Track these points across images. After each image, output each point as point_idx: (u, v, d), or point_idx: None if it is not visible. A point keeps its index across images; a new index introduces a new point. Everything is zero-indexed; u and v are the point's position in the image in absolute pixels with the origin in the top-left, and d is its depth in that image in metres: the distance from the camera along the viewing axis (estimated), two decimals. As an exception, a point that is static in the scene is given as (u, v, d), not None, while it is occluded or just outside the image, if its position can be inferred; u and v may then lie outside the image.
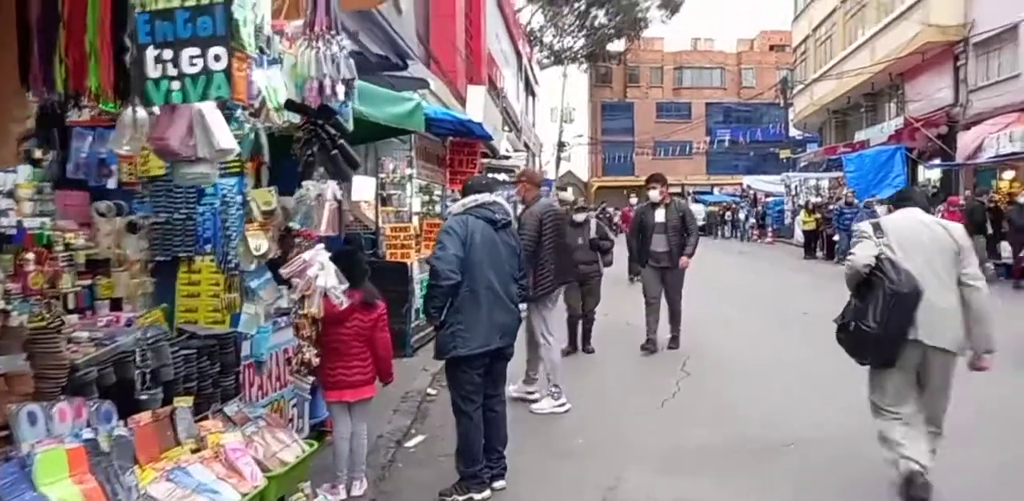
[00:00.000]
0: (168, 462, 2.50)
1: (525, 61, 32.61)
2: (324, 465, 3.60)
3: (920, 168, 20.53)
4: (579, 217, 7.12)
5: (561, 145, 38.76)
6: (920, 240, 3.45)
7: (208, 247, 3.28)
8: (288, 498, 2.99)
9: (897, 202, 3.84)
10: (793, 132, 32.96)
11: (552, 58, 40.80)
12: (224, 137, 2.17)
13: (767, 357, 7.05)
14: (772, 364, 6.70)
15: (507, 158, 16.97)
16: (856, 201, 17.74)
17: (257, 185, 3.18)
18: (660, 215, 7.17)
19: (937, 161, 18.85)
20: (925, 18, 18.93)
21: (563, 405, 5.42)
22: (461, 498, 3.71)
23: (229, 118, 3.14)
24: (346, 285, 2.93)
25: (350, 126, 3.05)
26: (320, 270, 2.71)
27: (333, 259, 3.76)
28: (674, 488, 3.88)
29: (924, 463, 3.33)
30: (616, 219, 25.99)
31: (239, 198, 3.23)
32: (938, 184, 19.25)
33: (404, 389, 5.87)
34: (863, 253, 3.44)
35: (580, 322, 7.17)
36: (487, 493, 3.78)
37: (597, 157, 45.87)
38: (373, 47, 7.45)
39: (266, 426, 3.02)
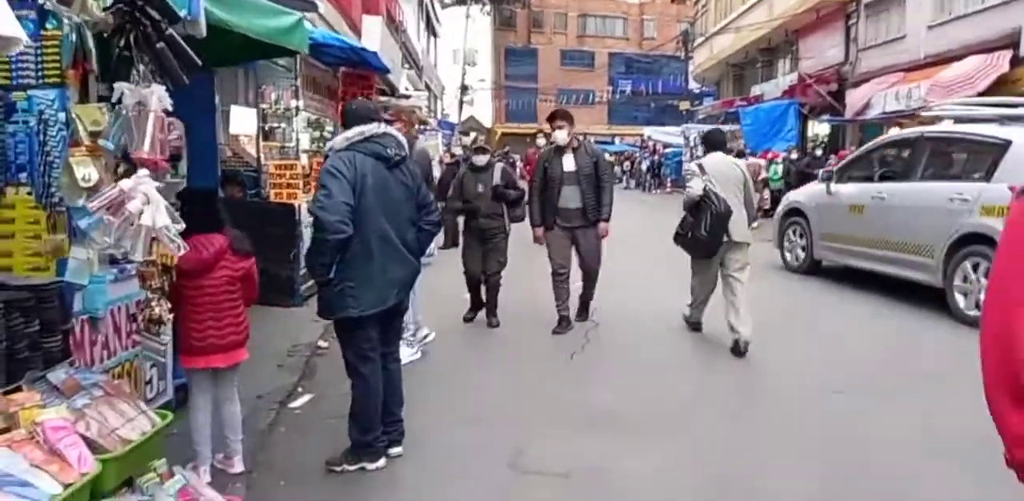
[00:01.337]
0: (-43, 449, 1.94)
1: (427, -2, 31.06)
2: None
3: (811, 123, 21.24)
4: (480, 160, 6.02)
5: (464, 88, 37.58)
6: (726, 174, 5.28)
7: (23, 176, 2.60)
8: (138, 480, 2.48)
9: (709, 147, 5.62)
10: (692, 85, 33.38)
11: (455, -3, 39.15)
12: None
13: (675, 310, 6.57)
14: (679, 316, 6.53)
15: (407, 97, 16.07)
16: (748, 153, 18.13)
17: (84, 99, 2.52)
18: (569, 162, 5.59)
19: (827, 116, 19.50)
20: (823, -26, 19.22)
21: (417, 353, 5.13)
22: (352, 468, 3.31)
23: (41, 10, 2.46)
24: (181, 225, 2.32)
25: (201, 29, 2.44)
26: (144, 204, 2.10)
27: (186, 199, 3.19)
28: (586, 453, 3.61)
29: (700, 320, 5.80)
30: (519, 165, 25.65)
31: (62, 115, 2.55)
32: (827, 138, 19.98)
33: (291, 342, 5.36)
34: (696, 186, 5.21)
35: (476, 283, 6.08)
36: (382, 462, 3.38)
37: (501, 103, 45.05)
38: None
39: (103, 396, 2.47)
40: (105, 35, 2.23)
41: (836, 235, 7.73)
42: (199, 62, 2.41)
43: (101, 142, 2.30)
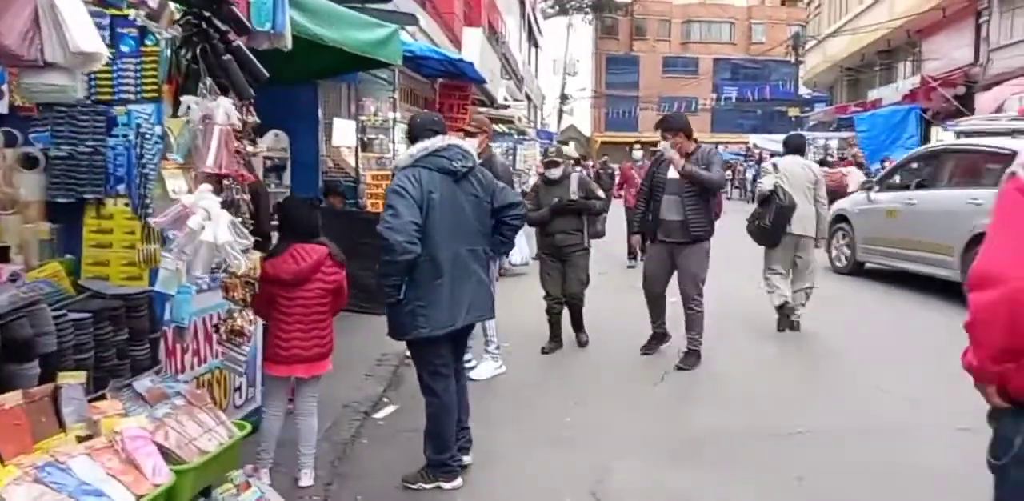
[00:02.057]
0: (42, 455, 1.99)
1: (528, 10, 31.31)
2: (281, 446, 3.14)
3: (934, 129, 19.79)
4: (553, 174, 5.42)
5: (564, 98, 37.61)
6: (798, 174, 5.99)
7: (121, 188, 2.70)
8: (215, 491, 2.50)
9: (788, 150, 6.45)
10: (803, 90, 31.91)
11: (556, 7, 39.32)
12: (84, 35, 1.57)
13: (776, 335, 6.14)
14: (783, 342, 6.09)
15: (506, 107, 16.20)
16: (866, 163, 17.04)
17: (175, 114, 2.58)
18: (673, 170, 5.04)
19: (953, 122, 18.08)
20: (950, -30, 17.90)
21: (501, 366, 5.01)
22: (428, 486, 3.24)
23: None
24: (247, 241, 2.31)
25: (286, 41, 2.45)
26: (206, 220, 2.10)
27: (286, 208, 3.24)
28: (670, 483, 3.38)
29: (788, 296, 6.05)
30: (617, 177, 25.27)
31: (158, 129, 2.63)
32: (952, 147, 18.53)
33: (380, 351, 5.39)
34: (767, 182, 5.97)
35: (558, 308, 5.55)
36: (458, 481, 3.29)
37: (600, 112, 44.73)
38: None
39: (185, 406, 2.50)
40: (175, 47, 2.26)
41: (875, 238, 8.56)
42: (266, 74, 2.40)
43: (170, 156, 2.34)
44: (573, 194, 5.38)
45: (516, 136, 20.46)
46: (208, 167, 2.20)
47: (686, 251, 5.04)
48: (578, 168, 5.99)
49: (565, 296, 5.49)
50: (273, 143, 6.51)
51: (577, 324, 5.69)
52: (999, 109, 15.48)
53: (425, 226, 3.01)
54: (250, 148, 2.66)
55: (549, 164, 5.63)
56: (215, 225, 2.11)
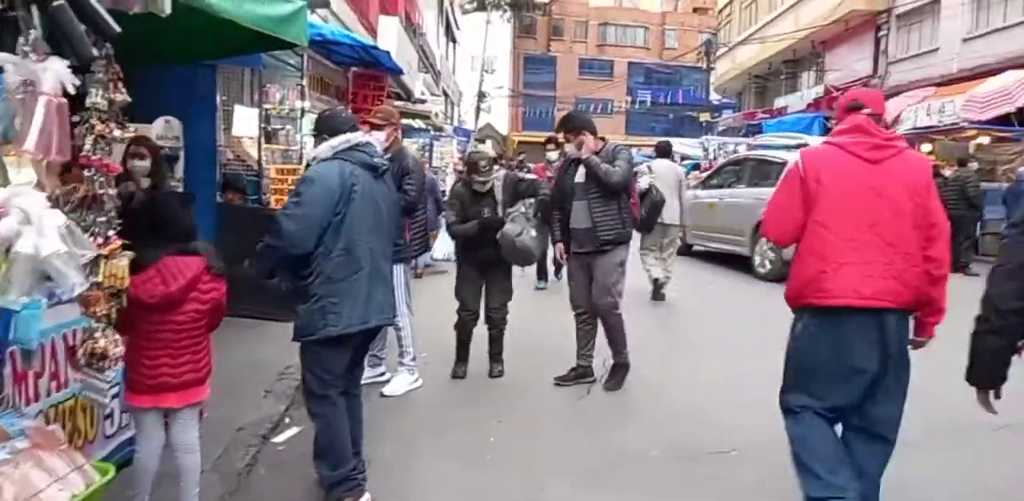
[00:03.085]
0: None
1: (447, 4, 30.77)
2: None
3: (835, 138, 20.68)
4: (482, 186, 4.75)
5: (481, 95, 37.22)
6: (667, 175, 7.57)
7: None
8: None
9: (659, 154, 8.36)
10: (713, 96, 32.86)
11: (475, 3, 38.84)
12: None
13: (698, 344, 6.23)
14: (703, 351, 6.05)
15: (423, 101, 15.71)
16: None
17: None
18: (581, 174, 4.57)
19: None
20: (853, -15, 18.71)
21: (418, 380, 4.65)
22: (336, 511, 2.87)
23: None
24: (89, 253, 1.85)
25: (163, 5, 2.00)
26: (23, 223, 1.61)
27: (152, 205, 2.76)
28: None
29: (660, 274, 7.71)
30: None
31: (-4, 105, 2.11)
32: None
33: (284, 363, 4.89)
34: (644, 181, 6.47)
35: (472, 325, 4.87)
36: (367, 497, 2.98)
37: (517, 110, 44.66)
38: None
39: (29, 449, 2.02)
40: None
41: (700, 226, 10.43)
42: (116, 28, 1.93)
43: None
44: (502, 204, 4.73)
45: (433, 132, 19.99)
46: (29, 150, 1.71)
47: (599, 260, 4.54)
48: (499, 168, 5.09)
49: (487, 310, 4.88)
50: (164, 130, 5.85)
51: (495, 351, 4.94)
52: (896, 120, 16.28)
53: (344, 218, 2.83)
54: (117, 132, 2.18)
55: (475, 170, 4.76)
56: (36, 231, 1.63)
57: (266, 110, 6.33)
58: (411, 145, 18.03)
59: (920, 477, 3.22)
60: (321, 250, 2.81)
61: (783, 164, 8.54)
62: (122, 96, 2.21)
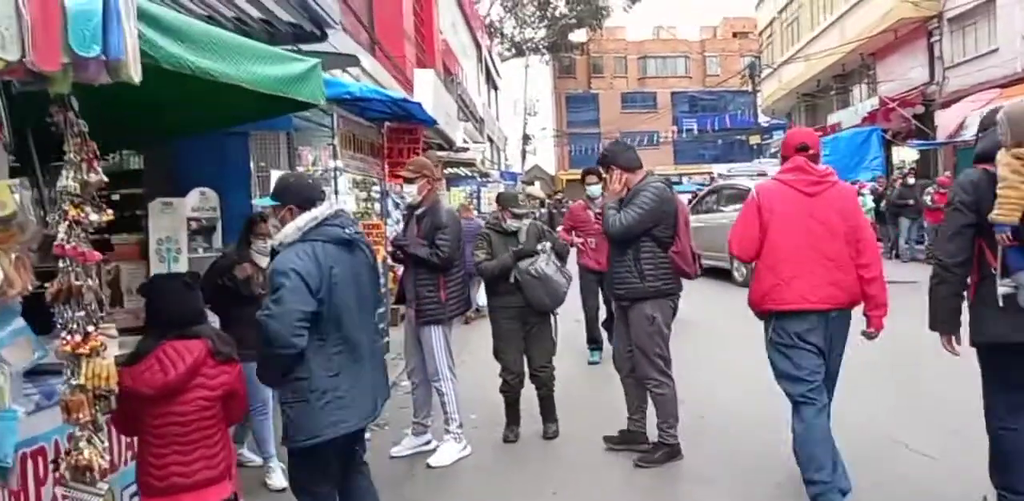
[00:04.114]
0: None
1: (485, 53, 31.36)
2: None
3: (895, 149, 19.78)
4: (512, 225, 4.44)
5: (526, 138, 37.55)
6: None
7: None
8: None
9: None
10: (761, 118, 32.20)
11: (513, 50, 39.59)
12: None
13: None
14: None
15: (465, 149, 15.73)
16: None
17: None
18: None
19: (915, 141, 18.04)
20: (898, -7, 18.11)
21: (466, 448, 4.27)
22: None
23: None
24: (39, 353, 1.61)
25: (130, 72, 1.82)
26: None
27: (149, 289, 2.57)
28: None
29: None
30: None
31: (-34, 197, 1.96)
32: (915, 165, 18.42)
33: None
34: None
35: (519, 387, 4.45)
36: None
37: (563, 149, 44.84)
38: (283, 15, 6.16)
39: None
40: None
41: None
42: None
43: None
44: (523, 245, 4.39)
45: (479, 178, 20.02)
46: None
47: (629, 316, 3.99)
48: (532, 213, 4.72)
49: (532, 370, 4.46)
50: (200, 202, 5.82)
51: (547, 410, 4.53)
52: (961, 125, 15.41)
53: (331, 308, 2.56)
54: (94, 216, 1.99)
55: (511, 204, 4.47)
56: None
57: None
58: (459, 193, 18.08)
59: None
60: (316, 343, 2.56)
61: (748, 190, 8.82)
62: (97, 176, 2.03)
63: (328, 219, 2.67)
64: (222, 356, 2.43)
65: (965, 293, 2.82)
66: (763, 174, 12.79)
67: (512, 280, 4.29)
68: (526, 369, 4.48)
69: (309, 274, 2.50)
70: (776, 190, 3.31)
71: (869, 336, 3.29)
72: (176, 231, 5.73)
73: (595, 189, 6.20)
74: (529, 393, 4.53)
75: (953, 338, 2.85)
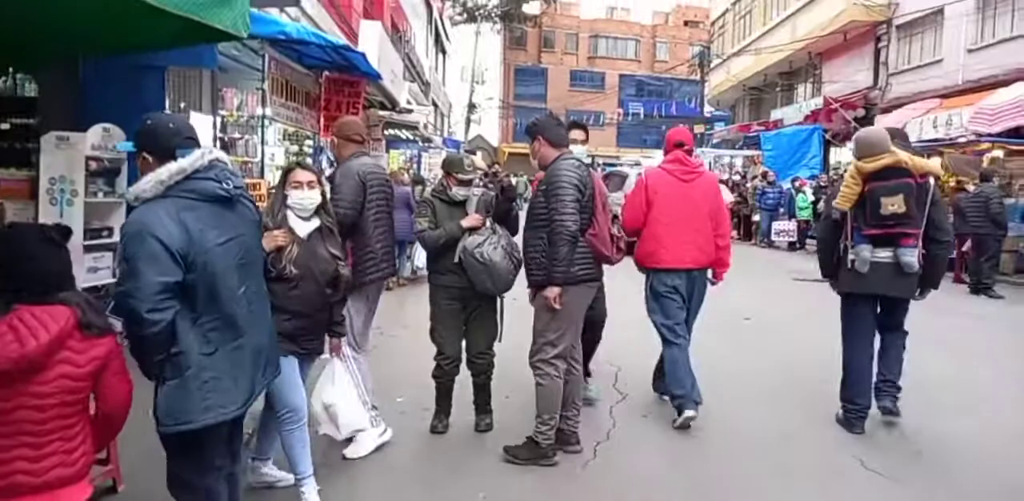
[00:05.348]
0: None
1: (436, 15, 30.25)
2: None
3: (834, 150, 20.16)
4: (459, 193, 3.95)
5: (472, 106, 36.71)
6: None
7: None
8: None
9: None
10: (706, 108, 32.44)
11: (465, 15, 38.39)
12: None
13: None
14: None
15: (409, 111, 15.03)
16: (776, 180, 17.01)
17: None
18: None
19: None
20: (852, -5, 18.25)
21: (385, 432, 3.81)
22: None
23: None
24: None
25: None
26: None
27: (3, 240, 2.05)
28: None
29: None
30: (520, 189, 24.56)
31: None
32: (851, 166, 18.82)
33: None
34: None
35: (454, 373, 4.03)
36: None
37: (508, 122, 44.15)
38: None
39: None
40: None
41: None
42: None
43: None
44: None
45: (421, 143, 19.32)
46: None
47: (536, 299, 3.66)
48: (479, 183, 4.26)
49: (470, 356, 4.03)
50: (102, 140, 5.12)
51: (482, 400, 4.13)
52: (900, 131, 15.75)
53: (206, 276, 2.12)
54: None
55: (457, 169, 3.94)
56: None
57: (222, 117, 5.60)
58: (398, 156, 17.37)
59: None
60: (190, 316, 2.10)
61: (625, 176, 13.16)
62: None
63: (199, 171, 2.17)
64: (94, 330, 1.95)
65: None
66: (639, 164, 16.57)
67: (456, 260, 3.82)
68: (463, 354, 4.06)
69: (171, 237, 2.03)
70: (660, 175, 4.26)
71: (714, 284, 4.40)
72: (72, 170, 5.06)
73: (580, 150, 4.31)
74: (464, 379, 4.11)
75: (831, 282, 4.33)
